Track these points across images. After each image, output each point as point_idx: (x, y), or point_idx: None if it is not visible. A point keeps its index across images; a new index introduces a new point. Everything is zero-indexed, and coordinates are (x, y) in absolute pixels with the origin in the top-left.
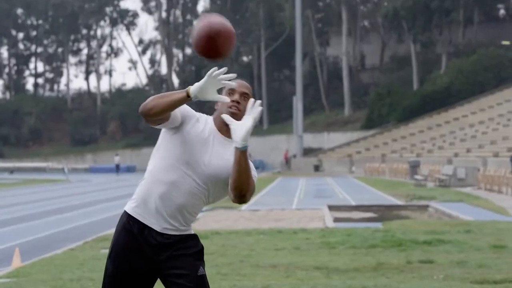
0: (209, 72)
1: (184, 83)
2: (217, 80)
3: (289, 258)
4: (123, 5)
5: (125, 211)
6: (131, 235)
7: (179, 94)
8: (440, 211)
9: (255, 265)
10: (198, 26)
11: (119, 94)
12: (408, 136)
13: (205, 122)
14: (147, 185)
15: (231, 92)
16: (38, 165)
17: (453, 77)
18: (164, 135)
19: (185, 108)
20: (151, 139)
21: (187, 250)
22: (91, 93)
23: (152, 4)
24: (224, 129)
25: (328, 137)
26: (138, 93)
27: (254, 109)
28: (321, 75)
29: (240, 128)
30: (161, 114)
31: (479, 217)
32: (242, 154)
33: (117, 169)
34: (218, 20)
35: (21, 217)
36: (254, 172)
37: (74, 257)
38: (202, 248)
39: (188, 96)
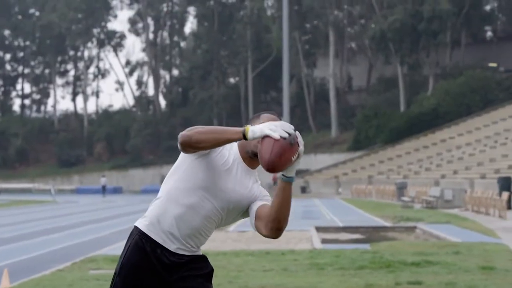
0: (279, 125)
1: (171, 105)
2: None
3: (277, 279)
4: (111, 26)
5: (137, 227)
6: (144, 253)
7: (235, 134)
8: (427, 232)
9: (243, 286)
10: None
11: (106, 115)
12: (395, 157)
13: (230, 148)
14: (163, 205)
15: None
16: (24, 186)
17: (440, 99)
18: (185, 158)
19: None
20: (137, 161)
21: (198, 271)
22: (78, 114)
23: (140, 25)
24: (248, 159)
25: (315, 159)
26: (125, 114)
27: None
28: (308, 96)
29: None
30: (209, 148)
31: (467, 239)
32: (289, 185)
33: (104, 190)
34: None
35: (8, 238)
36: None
37: (63, 278)
38: (212, 270)
39: (244, 137)
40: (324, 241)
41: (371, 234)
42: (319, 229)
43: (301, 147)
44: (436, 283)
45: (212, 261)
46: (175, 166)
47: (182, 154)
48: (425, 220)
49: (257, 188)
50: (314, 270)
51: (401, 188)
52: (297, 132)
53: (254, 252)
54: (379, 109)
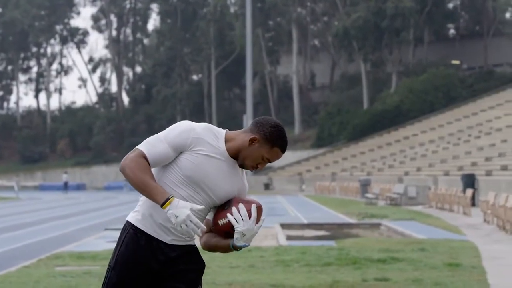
0: (193, 209)
1: (134, 101)
2: (189, 220)
3: (244, 276)
4: (73, 23)
5: (129, 222)
6: (138, 247)
7: (156, 197)
8: (392, 229)
9: (211, 283)
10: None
11: (69, 112)
12: (359, 154)
13: (216, 140)
14: (152, 203)
15: (265, 159)
16: None
17: (403, 96)
18: (178, 150)
19: (187, 136)
20: (100, 157)
21: (191, 265)
22: (41, 111)
23: (103, 22)
24: (236, 156)
25: None
26: (88, 111)
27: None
28: (271, 93)
29: (251, 234)
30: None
31: (432, 236)
32: (235, 249)
33: (66, 187)
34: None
35: None
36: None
37: (29, 274)
38: (204, 265)
39: (161, 206)
40: (289, 237)
41: (336, 231)
42: (283, 226)
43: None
44: (403, 280)
45: None
46: None
47: None
48: (389, 217)
49: (243, 181)
50: (280, 267)
51: (365, 185)
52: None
53: None
54: (342, 106)
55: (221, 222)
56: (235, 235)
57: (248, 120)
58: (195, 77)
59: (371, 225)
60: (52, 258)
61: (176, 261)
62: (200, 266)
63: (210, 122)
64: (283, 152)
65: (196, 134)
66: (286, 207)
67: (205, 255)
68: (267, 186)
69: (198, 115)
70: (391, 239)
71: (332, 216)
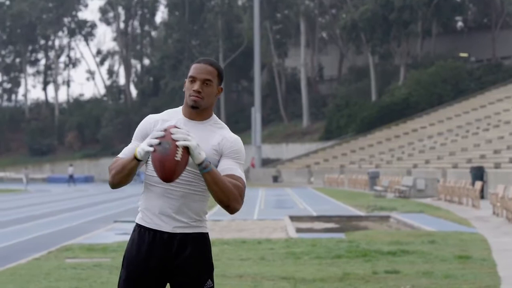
0: (149, 139)
1: (142, 94)
2: (149, 141)
3: (255, 268)
4: (81, 15)
5: (135, 223)
6: (144, 243)
7: (132, 161)
8: (401, 222)
9: (221, 275)
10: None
11: (77, 104)
12: (367, 147)
13: (174, 116)
14: (145, 194)
15: (192, 80)
16: None
17: (412, 88)
18: None
19: (144, 124)
20: (108, 150)
21: (196, 259)
22: (49, 104)
23: (110, 15)
24: (194, 114)
25: (286, 148)
26: (96, 103)
27: (180, 134)
28: (279, 86)
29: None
30: (130, 181)
31: (441, 228)
32: (207, 175)
33: (71, 179)
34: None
35: None
36: (237, 177)
37: (40, 266)
38: (211, 258)
39: (137, 159)
40: (298, 230)
41: (345, 223)
42: (293, 218)
43: (182, 142)
44: (413, 272)
45: None
46: None
47: None
48: (398, 210)
49: (221, 139)
50: (291, 259)
51: (374, 178)
52: (174, 129)
53: (230, 241)
54: (351, 98)
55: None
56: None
57: (256, 112)
58: None
59: (380, 217)
60: (62, 251)
61: (182, 252)
62: (207, 260)
63: (218, 115)
64: (199, 63)
65: (152, 119)
66: (295, 199)
67: (214, 247)
68: (275, 179)
69: None
70: (401, 231)
71: (341, 209)
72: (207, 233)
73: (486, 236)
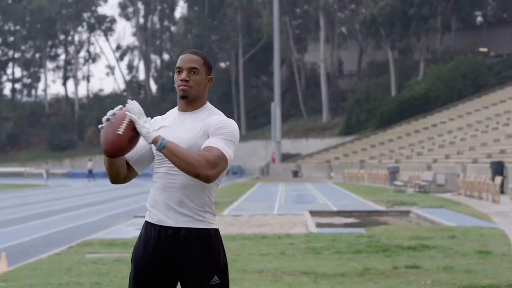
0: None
1: (162, 89)
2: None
3: (275, 263)
4: (101, 11)
5: (144, 221)
6: (150, 238)
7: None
8: (421, 216)
9: (242, 270)
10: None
11: (96, 99)
12: (387, 142)
13: (172, 113)
14: (151, 190)
15: (179, 71)
16: (16, 170)
17: (431, 83)
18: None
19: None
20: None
21: (201, 254)
22: (68, 99)
23: (130, 10)
24: (186, 105)
25: (306, 143)
26: (116, 98)
27: (130, 105)
28: (299, 81)
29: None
30: (121, 175)
31: (462, 223)
32: (165, 151)
33: (90, 174)
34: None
35: (3, 222)
36: (210, 147)
37: (60, 261)
38: (218, 253)
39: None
40: (318, 225)
41: (365, 218)
42: (313, 213)
43: (129, 114)
44: (434, 267)
45: None
46: None
47: None
48: (418, 205)
49: (208, 122)
50: (311, 254)
51: (394, 173)
52: (129, 102)
53: (250, 236)
54: (370, 93)
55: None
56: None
57: (276, 107)
58: (222, 65)
59: (401, 212)
60: (82, 245)
61: (187, 247)
62: (213, 255)
63: (238, 110)
64: (184, 54)
65: (153, 120)
66: (315, 194)
67: (235, 242)
68: (295, 174)
69: (226, 103)
70: (421, 226)
71: (361, 204)
72: (215, 229)
73: (506, 231)
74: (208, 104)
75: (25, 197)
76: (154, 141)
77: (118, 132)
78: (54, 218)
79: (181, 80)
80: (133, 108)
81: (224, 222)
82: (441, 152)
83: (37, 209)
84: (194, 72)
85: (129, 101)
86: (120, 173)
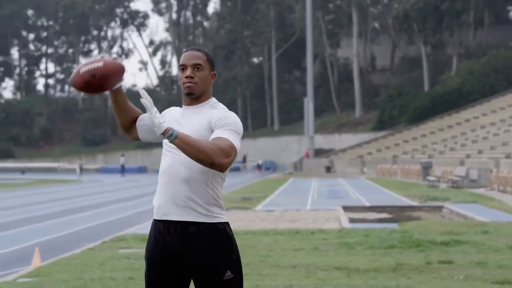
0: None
1: None
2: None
3: (308, 258)
4: (134, 6)
5: (153, 218)
6: (159, 235)
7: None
8: (454, 212)
9: (275, 265)
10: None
11: (129, 95)
12: (419, 137)
13: (175, 110)
14: (158, 185)
15: (182, 68)
16: (49, 165)
17: (464, 78)
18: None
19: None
20: (161, 141)
21: (212, 250)
22: (102, 94)
23: (163, 5)
24: (190, 101)
25: (339, 138)
26: (149, 94)
27: (145, 97)
28: (332, 76)
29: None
30: (127, 118)
31: (494, 218)
32: (176, 142)
33: (123, 169)
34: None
35: (37, 217)
36: (220, 138)
37: (93, 256)
38: (229, 248)
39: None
40: (352, 220)
41: (398, 213)
42: (346, 208)
43: (143, 100)
44: (467, 263)
45: (241, 240)
46: None
47: None
48: (451, 200)
49: (211, 115)
50: (344, 249)
51: (427, 168)
52: (140, 91)
53: (283, 231)
54: (403, 89)
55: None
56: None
57: (309, 102)
58: (255, 60)
59: (433, 207)
60: (115, 241)
61: (196, 243)
62: (223, 250)
63: (271, 105)
64: (187, 51)
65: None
66: (348, 189)
67: (268, 237)
68: (328, 169)
69: (258, 98)
70: (454, 221)
71: (394, 199)
72: (225, 223)
73: None
74: (213, 99)
75: (58, 192)
76: (165, 132)
77: (80, 70)
78: (87, 213)
79: (186, 77)
80: (146, 97)
81: (257, 217)
82: (474, 147)
83: (70, 204)
84: (198, 68)
85: (140, 89)
86: (124, 123)
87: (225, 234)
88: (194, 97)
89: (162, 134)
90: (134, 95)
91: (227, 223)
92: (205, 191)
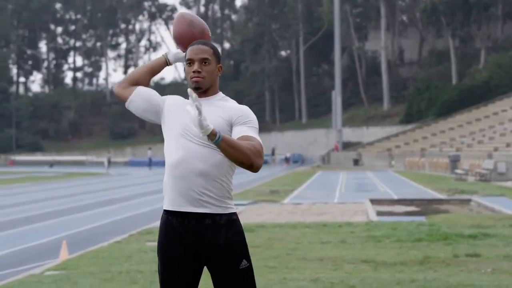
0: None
1: (223, 78)
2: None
3: (335, 251)
4: None
5: (163, 209)
6: (172, 229)
7: (157, 60)
8: (482, 205)
9: (302, 258)
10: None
11: (157, 88)
12: (447, 130)
13: (182, 98)
14: (167, 176)
15: (190, 62)
16: (77, 158)
17: (492, 71)
18: (162, 129)
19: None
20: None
21: (227, 241)
22: None
23: None
24: (196, 94)
25: (367, 131)
26: (177, 87)
27: (191, 98)
28: (359, 69)
29: (193, 122)
30: (134, 77)
31: None
32: (220, 144)
33: (150, 163)
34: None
35: (64, 210)
36: (251, 137)
37: (121, 249)
38: (244, 238)
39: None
40: (379, 213)
41: (426, 206)
42: (373, 201)
43: (198, 104)
44: (494, 256)
45: (269, 233)
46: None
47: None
48: (479, 193)
49: (229, 109)
50: (371, 242)
51: (455, 161)
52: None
53: (311, 224)
54: (431, 82)
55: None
56: None
57: (337, 96)
58: (283, 53)
59: (461, 201)
60: (143, 234)
61: (213, 234)
62: (239, 240)
63: (299, 98)
64: (193, 45)
65: (167, 96)
66: (376, 182)
67: (295, 230)
68: (356, 162)
69: (286, 91)
70: (482, 215)
71: (422, 192)
72: (236, 213)
73: None
74: (220, 93)
75: (86, 185)
76: (212, 134)
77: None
78: (115, 207)
79: (193, 71)
80: (197, 100)
81: (285, 210)
82: (502, 140)
83: (98, 198)
84: (205, 62)
85: (191, 92)
86: (139, 81)
87: (238, 224)
88: (202, 91)
89: (208, 136)
90: (162, 88)
91: (236, 213)
92: (220, 185)
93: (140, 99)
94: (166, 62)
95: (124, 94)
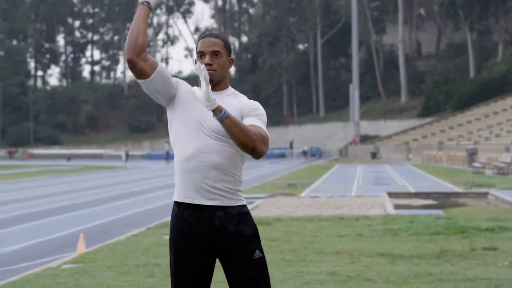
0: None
1: (241, 71)
2: None
3: (352, 244)
4: None
5: (174, 201)
6: (184, 221)
7: (139, 11)
8: (500, 198)
9: (319, 252)
10: None
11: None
12: (465, 123)
13: (195, 88)
14: (179, 169)
15: (201, 55)
16: (95, 151)
17: (510, 65)
18: (169, 115)
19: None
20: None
21: (240, 231)
22: None
23: None
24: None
25: (384, 125)
26: (194, 80)
27: (201, 72)
28: (377, 63)
29: (199, 96)
30: (141, 41)
31: None
32: (224, 122)
33: (168, 156)
34: None
35: (82, 203)
36: (258, 127)
37: (138, 243)
38: (256, 228)
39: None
40: (396, 206)
41: (443, 200)
42: (391, 194)
43: (204, 79)
44: (511, 249)
45: (286, 226)
46: (170, 134)
47: (168, 116)
48: (497, 186)
49: (240, 102)
50: (388, 235)
51: (472, 154)
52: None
53: (328, 217)
54: (449, 75)
55: None
56: None
57: (354, 89)
58: (301, 47)
59: (479, 194)
60: (160, 227)
61: (225, 226)
62: (251, 229)
63: (317, 92)
64: (204, 38)
65: (181, 82)
66: (393, 176)
67: (312, 224)
68: (373, 155)
69: (304, 84)
70: (499, 208)
71: (439, 185)
72: (246, 205)
73: None
74: (231, 88)
75: (104, 178)
76: (218, 109)
77: None
78: (133, 200)
79: (205, 64)
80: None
81: (302, 204)
82: None
83: (115, 191)
84: (216, 55)
85: (199, 64)
86: (144, 43)
87: (249, 215)
88: (213, 84)
89: (213, 111)
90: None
91: (247, 206)
92: (233, 177)
93: (160, 80)
94: (150, 9)
95: (146, 69)
